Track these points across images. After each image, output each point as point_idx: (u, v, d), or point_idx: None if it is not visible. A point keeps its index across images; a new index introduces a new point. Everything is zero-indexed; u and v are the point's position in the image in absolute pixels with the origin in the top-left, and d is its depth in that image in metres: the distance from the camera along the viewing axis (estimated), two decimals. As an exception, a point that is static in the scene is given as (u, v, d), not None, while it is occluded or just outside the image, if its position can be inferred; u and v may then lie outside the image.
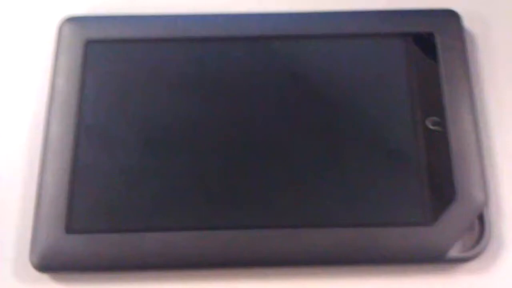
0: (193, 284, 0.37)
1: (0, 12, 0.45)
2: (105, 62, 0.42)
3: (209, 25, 0.43)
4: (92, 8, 0.45)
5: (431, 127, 0.39)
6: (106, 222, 0.38)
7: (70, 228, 0.37)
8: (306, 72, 0.42)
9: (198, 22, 0.43)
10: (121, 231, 0.37)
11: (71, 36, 0.42)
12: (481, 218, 0.38)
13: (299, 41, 0.42)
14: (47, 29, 0.44)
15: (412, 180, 0.38)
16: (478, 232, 0.38)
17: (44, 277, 0.38)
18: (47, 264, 0.37)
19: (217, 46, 0.42)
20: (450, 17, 0.43)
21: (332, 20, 0.43)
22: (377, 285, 0.37)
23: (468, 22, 0.43)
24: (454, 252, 0.37)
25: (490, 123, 0.41)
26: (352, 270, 0.38)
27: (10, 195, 0.40)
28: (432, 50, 0.41)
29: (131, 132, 0.40)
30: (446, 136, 0.39)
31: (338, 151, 0.39)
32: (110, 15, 0.44)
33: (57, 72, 0.41)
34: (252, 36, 0.42)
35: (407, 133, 0.39)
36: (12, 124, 0.42)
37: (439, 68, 0.41)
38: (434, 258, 0.37)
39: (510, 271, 0.38)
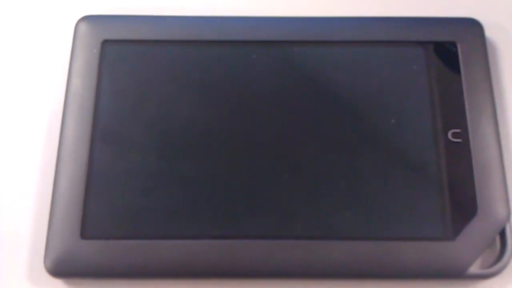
0: (208, 294, 0.37)
1: (18, 11, 0.44)
2: (121, 63, 0.41)
3: (226, 28, 0.42)
4: (109, 8, 0.44)
5: (453, 139, 0.39)
6: (121, 228, 0.37)
7: (84, 233, 0.37)
8: (325, 79, 0.41)
9: (216, 24, 0.42)
10: (136, 238, 0.37)
11: (87, 36, 0.42)
12: (502, 234, 0.37)
13: (319, 46, 0.42)
14: (64, 28, 0.43)
15: (433, 193, 0.38)
16: (499, 248, 0.37)
17: (58, 282, 0.37)
18: (61, 269, 0.37)
19: (235, 49, 0.42)
20: (472, 26, 0.42)
21: (353, 27, 0.42)
22: (395, 299, 0.37)
23: (490, 32, 0.42)
24: (474, 269, 0.36)
25: (512, 135, 0.41)
26: (370, 284, 0.37)
27: (26, 199, 0.39)
28: (454, 59, 0.41)
29: (147, 136, 0.39)
30: (468, 149, 0.39)
31: (358, 163, 0.39)
32: (127, 15, 0.43)
33: (73, 72, 0.41)
34: (272, 40, 0.42)
35: (428, 144, 0.39)
36: (29, 126, 0.41)
37: (460, 77, 0.40)
38: (453, 274, 0.36)
39: (530, 289, 0.37)
